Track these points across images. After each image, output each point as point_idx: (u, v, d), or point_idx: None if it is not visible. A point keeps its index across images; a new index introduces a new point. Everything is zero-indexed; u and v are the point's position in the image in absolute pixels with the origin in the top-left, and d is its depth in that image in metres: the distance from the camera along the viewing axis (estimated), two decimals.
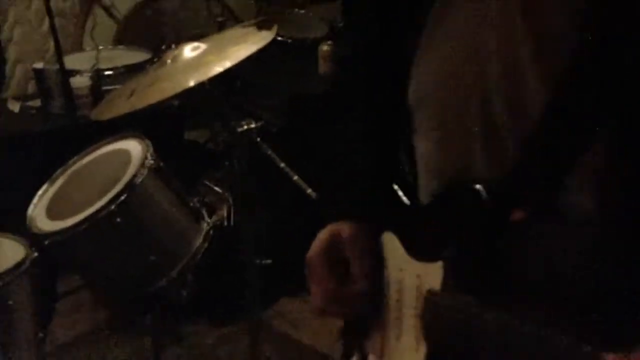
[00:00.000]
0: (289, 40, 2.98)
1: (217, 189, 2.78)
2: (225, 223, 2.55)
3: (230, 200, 2.60)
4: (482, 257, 0.78)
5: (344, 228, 0.94)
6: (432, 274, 0.83)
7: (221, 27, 3.11)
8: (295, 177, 1.83)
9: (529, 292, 0.77)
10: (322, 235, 0.95)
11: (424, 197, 0.88)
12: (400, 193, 0.90)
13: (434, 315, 0.83)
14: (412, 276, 0.87)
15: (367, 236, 0.94)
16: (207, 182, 2.86)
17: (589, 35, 0.70)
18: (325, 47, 2.79)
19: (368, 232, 0.94)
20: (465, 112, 0.80)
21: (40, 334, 1.85)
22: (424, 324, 0.84)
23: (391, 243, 0.91)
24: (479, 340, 0.76)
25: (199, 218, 2.04)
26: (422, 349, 0.85)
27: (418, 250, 0.87)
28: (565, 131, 0.73)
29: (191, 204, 2.04)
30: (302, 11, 3.29)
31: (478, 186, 0.78)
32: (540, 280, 0.77)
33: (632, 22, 0.68)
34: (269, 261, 1.92)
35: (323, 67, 2.78)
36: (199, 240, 1.98)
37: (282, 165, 1.86)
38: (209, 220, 2.05)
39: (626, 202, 0.73)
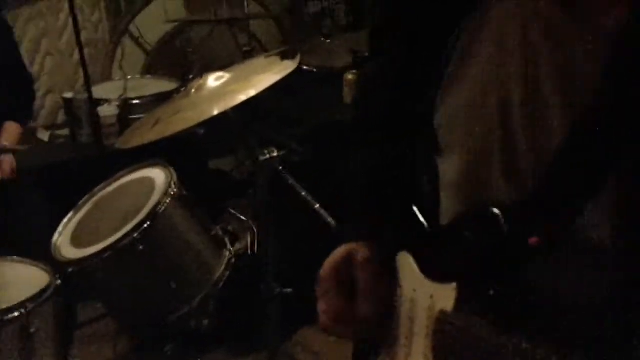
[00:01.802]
0: (315, 70, 3.00)
1: (242, 217, 2.78)
2: (249, 251, 2.55)
3: (255, 229, 2.60)
4: (496, 281, 0.77)
5: (358, 249, 0.93)
6: (445, 295, 0.82)
7: (248, 57, 3.15)
8: (317, 206, 1.82)
9: (541, 318, 0.76)
10: (336, 253, 0.95)
11: (445, 219, 0.88)
12: (419, 214, 0.90)
13: (445, 335, 0.82)
14: (425, 296, 0.86)
15: (380, 260, 0.93)
16: (232, 210, 2.87)
17: (612, 69, 0.70)
18: (350, 76, 2.79)
19: (382, 255, 0.93)
20: (488, 138, 0.80)
21: None
22: (434, 345, 0.83)
23: (406, 263, 0.91)
24: None
25: (221, 246, 2.04)
26: None
27: (433, 271, 0.86)
28: (584, 162, 0.73)
29: (214, 233, 2.05)
30: (328, 40, 3.32)
31: (496, 211, 0.77)
32: (553, 307, 0.76)
33: None
34: (289, 290, 1.91)
35: (348, 96, 2.79)
36: (220, 269, 1.99)
37: (304, 194, 1.86)
38: (231, 249, 2.05)
39: None
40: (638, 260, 0.72)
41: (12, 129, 2.32)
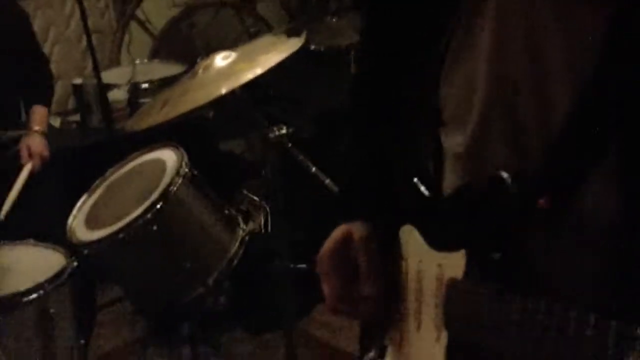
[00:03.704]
0: (322, 48, 2.99)
1: (254, 197, 2.80)
2: (263, 231, 2.56)
3: (268, 208, 2.61)
4: (505, 247, 0.77)
5: (356, 228, 0.94)
6: (454, 263, 0.82)
7: (254, 38, 3.14)
8: (327, 181, 1.83)
9: (550, 282, 0.76)
10: (334, 234, 0.96)
11: (448, 189, 0.88)
12: (421, 186, 0.90)
13: (456, 302, 0.82)
14: (432, 266, 0.86)
15: (378, 237, 0.93)
16: (245, 192, 2.88)
17: (618, 37, 0.70)
18: None
19: (381, 232, 0.94)
20: (493, 108, 0.80)
21: (82, 341, 1.88)
22: (445, 312, 0.84)
23: (410, 236, 0.91)
24: (500, 325, 0.74)
25: (234, 225, 2.05)
26: (443, 338, 0.84)
27: (439, 241, 0.86)
28: (589, 128, 0.73)
29: (226, 211, 2.05)
30: (335, 19, 3.31)
31: (504, 174, 0.77)
32: (562, 271, 0.76)
33: None
34: (303, 265, 1.92)
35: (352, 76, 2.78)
36: (234, 247, 1.99)
37: (314, 169, 1.86)
38: (244, 227, 2.06)
39: None
40: None
41: (41, 112, 2.39)
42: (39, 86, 2.47)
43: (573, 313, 0.67)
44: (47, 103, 2.47)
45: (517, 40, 0.76)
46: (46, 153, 2.30)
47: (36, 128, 2.34)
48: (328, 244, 0.96)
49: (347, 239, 0.94)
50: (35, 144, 2.29)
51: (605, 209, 0.74)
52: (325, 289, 0.95)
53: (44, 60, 2.57)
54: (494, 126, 0.80)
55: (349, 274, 0.94)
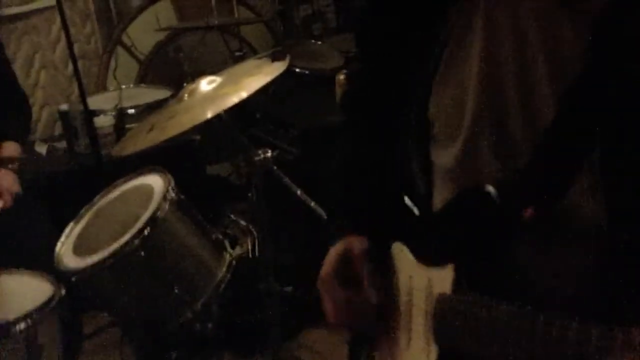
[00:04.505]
0: (307, 72, 3.02)
1: (241, 221, 2.80)
2: (250, 255, 2.56)
3: (255, 233, 2.61)
4: (493, 258, 0.80)
5: (355, 243, 0.96)
6: (443, 278, 0.84)
7: (240, 61, 3.16)
8: (312, 204, 1.84)
9: (537, 291, 0.78)
10: (334, 251, 0.98)
11: (439, 205, 0.90)
12: (410, 204, 0.92)
13: (445, 315, 0.84)
14: (422, 281, 0.89)
15: (374, 251, 0.95)
16: (232, 216, 2.88)
17: (598, 51, 0.73)
18: (342, 77, 2.81)
19: (375, 247, 0.95)
20: (482, 121, 0.83)
21: None
22: (435, 325, 0.86)
23: (401, 252, 0.94)
24: (489, 334, 0.77)
25: (221, 249, 2.06)
26: (433, 352, 0.86)
27: (428, 257, 0.88)
28: (573, 137, 0.76)
29: (213, 236, 2.06)
30: (319, 42, 3.34)
31: (489, 187, 0.80)
32: (548, 279, 0.79)
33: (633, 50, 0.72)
34: (289, 288, 1.92)
35: (340, 96, 2.81)
36: (221, 272, 2.00)
37: (299, 192, 1.88)
38: (231, 252, 2.06)
39: (631, 207, 0.75)
40: (625, 236, 0.75)
41: (12, 148, 2.34)
42: (14, 122, 2.39)
43: (559, 320, 0.69)
44: (20, 139, 2.39)
45: (505, 54, 0.79)
46: (16, 188, 2.24)
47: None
48: (329, 260, 0.98)
49: (346, 254, 0.97)
50: (4, 180, 2.23)
51: (588, 207, 0.77)
52: (328, 303, 0.97)
53: (19, 94, 2.49)
54: (484, 138, 0.82)
55: (349, 287, 0.96)
